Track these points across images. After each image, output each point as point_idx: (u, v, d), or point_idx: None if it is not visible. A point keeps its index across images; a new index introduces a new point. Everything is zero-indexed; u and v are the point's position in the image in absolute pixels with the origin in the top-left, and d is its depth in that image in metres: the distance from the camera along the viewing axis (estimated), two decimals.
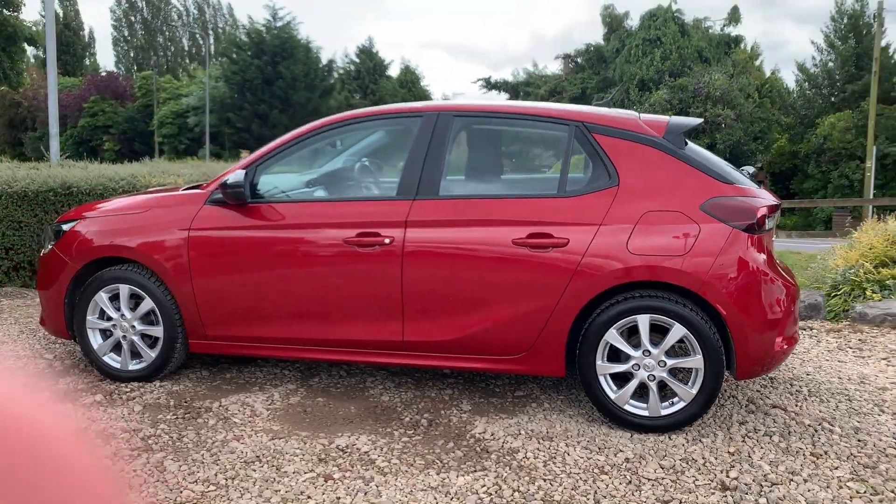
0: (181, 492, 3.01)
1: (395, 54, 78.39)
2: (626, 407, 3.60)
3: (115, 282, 4.15)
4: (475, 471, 3.23)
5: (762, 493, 3.06)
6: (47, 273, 4.35)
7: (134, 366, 4.22)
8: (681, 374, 3.65)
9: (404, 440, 3.55)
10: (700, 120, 4.04)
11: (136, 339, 4.20)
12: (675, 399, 3.57)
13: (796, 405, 4.02)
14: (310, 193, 4.19)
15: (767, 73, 35.22)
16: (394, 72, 46.76)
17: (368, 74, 44.50)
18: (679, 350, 3.65)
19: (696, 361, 3.49)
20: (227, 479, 3.11)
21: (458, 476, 3.17)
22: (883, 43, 29.20)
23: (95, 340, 4.26)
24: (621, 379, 3.63)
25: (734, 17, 34.36)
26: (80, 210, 4.45)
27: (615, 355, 3.62)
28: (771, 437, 3.60)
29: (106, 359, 4.26)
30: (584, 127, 3.74)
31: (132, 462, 3.24)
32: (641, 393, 3.61)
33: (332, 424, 3.72)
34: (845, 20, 29.86)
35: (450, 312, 3.74)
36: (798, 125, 30.34)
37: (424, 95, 49.38)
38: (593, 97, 34.27)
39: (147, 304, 4.12)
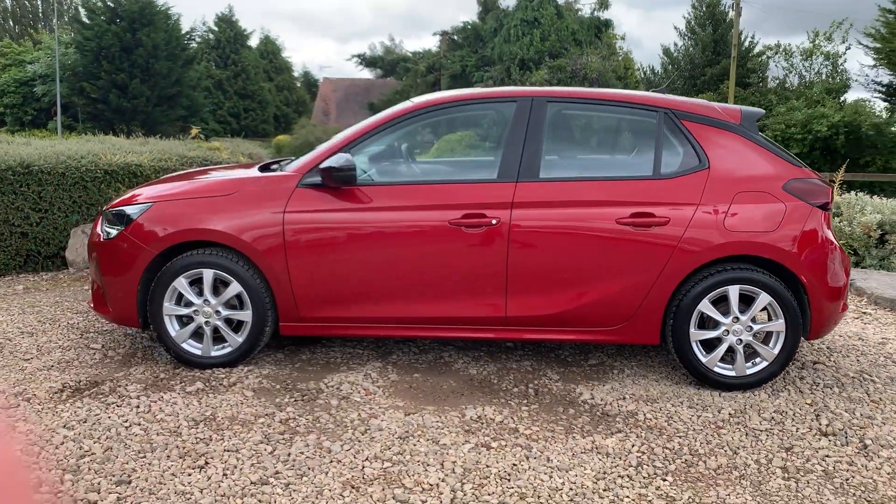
0: (363, 469, 3.09)
1: (252, 24, 75.30)
2: (716, 369, 4.00)
3: (197, 266, 4.04)
4: (613, 433, 3.51)
5: (857, 435, 3.55)
6: (115, 259, 4.15)
7: (217, 352, 4.14)
8: (761, 337, 4.08)
9: (525, 409, 3.76)
10: (763, 111, 4.45)
11: (220, 324, 4.12)
12: (758, 360, 4.00)
13: (830, 360, 4.59)
14: (410, 175, 4.24)
15: (637, 57, 37.32)
16: (254, 42, 45.09)
17: (229, 44, 42.61)
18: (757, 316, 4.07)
19: (778, 325, 3.94)
20: (397, 455, 3.21)
21: (603, 438, 3.44)
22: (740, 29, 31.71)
23: (172, 327, 4.13)
24: (707, 344, 4.01)
25: (603, 2, 36.01)
26: (144, 194, 4.26)
27: (703, 323, 4.00)
28: (831, 388, 4.13)
29: (185, 346, 4.15)
30: (672, 114, 4.06)
31: (290, 446, 3.26)
32: (726, 355, 4.02)
33: (446, 398, 3.87)
34: (704, 8, 32.15)
35: (553, 288, 3.97)
36: None
37: (286, 67, 48.16)
38: (473, 75, 34.91)
39: (234, 288, 4.05)
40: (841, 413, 3.81)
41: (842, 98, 29.08)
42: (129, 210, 4.17)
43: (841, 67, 30.08)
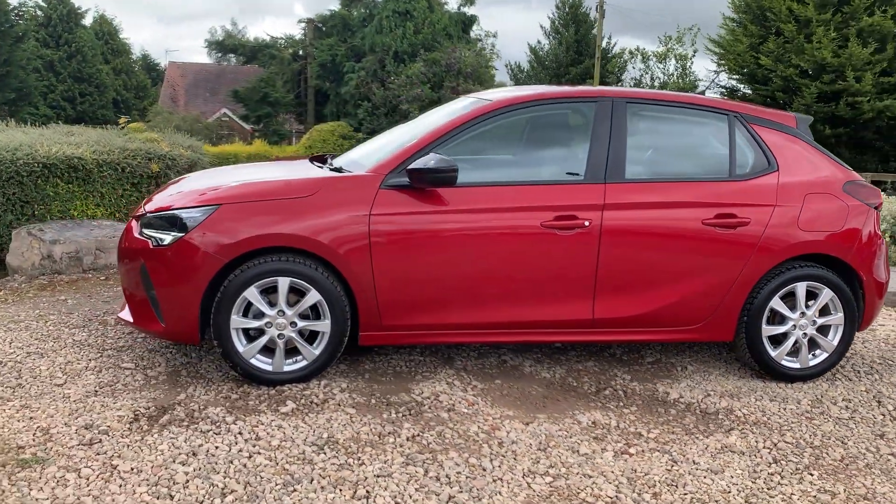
0: (531, 486, 2.97)
1: (88, 2, 69.68)
2: (783, 362, 4.20)
3: (272, 275, 3.69)
4: (728, 430, 3.60)
5: None
6: (172, 269, 3.70)
7: (290, 366, 3.81)
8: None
9: (628, 412, 3.77)
10: (812, 118, 4.69)
11: (295, 336, 3.79)
12: (818, 351, 4.24)
13: (852, 349, 4.94)
14: (496, 176, 4.07)
15: (507, 55, 38.19)
16: (88, 21, 41.73)
17: (61, 22, 39.05)
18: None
19: (838, 319, 4.19)
20: (551, 468, 3.11)
21: (724, 437, 3.52)
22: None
23: (240, 342, 3.76)
24: (773, 339, 4.20)
25: None
26: (205, 195, 3.82)
27: (771, 318, 4.17)
28: (870, 375, 4.45)
29: (254, 361, 3.78)
30: (741, 117, 4.20)
31: (441, 466, 3.07)
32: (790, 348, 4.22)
33: (545, 404, 3.80)
34: (567, 9, 33.49)
35: (640, 290, 4.00)
36: None
37: (125, 49, 45.17)
38: (344, 65, 34.37)
39: (312, 296, 3.74)
40: (893, 396, 4.11)
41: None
42: (189, 213, 3.73)
43: (690, 70, 32.43)
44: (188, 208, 3.75)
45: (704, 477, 3.12)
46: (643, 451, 3.33)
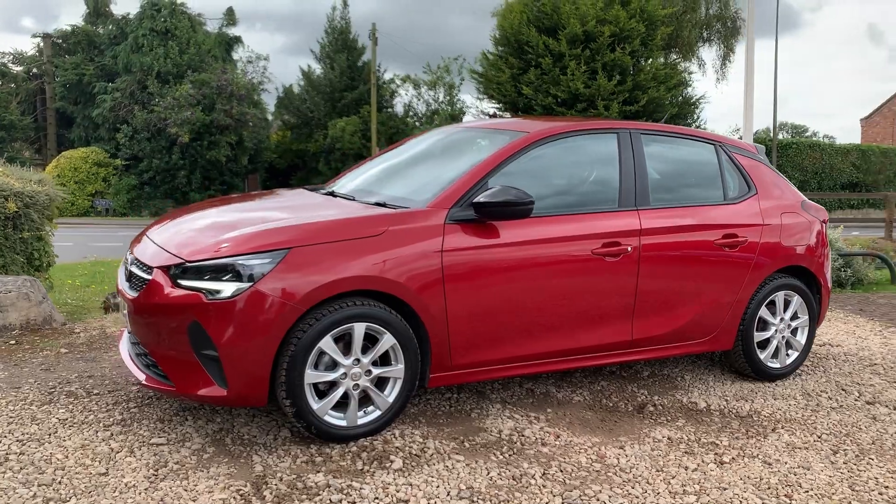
0: (684, 497, 3.08)
1: None
2: (769, 363, 4.73)
3: (348, 321, 3.40)
4: (773, 429, 3.97)
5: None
6: (241, 324, 3.24)
7: (362, 419, 3.52)
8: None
9: (681, 424, 4.01)
10: (764, 146, 5.29)
11: (369, 385, 3.52)
12: (790, 352, 4.83)
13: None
14: (545, 206, 4.06)
15: (283, 78, 37.39)
16: None
17: None
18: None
19: (804, 321, 4.82)
20: (687, 484, 3.24)
21: (777, 436, 3.88)
22: (368, 58, 34.03)
23: (313, 399, 3.40)
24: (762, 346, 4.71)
25: (231, 18, 35.42)
26: (267, 238, 3.39)
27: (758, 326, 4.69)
28: (818, 370, 5.15)
29: (327, 418, 3.44)
30: (723, 147, 4.68)
31: (597, 500, 3.05)
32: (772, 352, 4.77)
33: (609, 427, 3.90)
34: (336, 35, 33.74)
35: (669, 308, 4.28)
36: (304, 126, 33.20)
37: None
38: (95, 85, 31.37)
39: (387, 341, 3.50)
40: (867, 385, 4.81)
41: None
42: (255, 260, 3.29)
43: (457, 98, 34.29)
44: (251, 254, 3.31)
45: (804, 473, 3.44)
46: (734, 458, 3.57)
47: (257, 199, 4.51)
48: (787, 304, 4.75)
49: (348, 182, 4.60)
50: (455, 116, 33.18)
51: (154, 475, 3.08)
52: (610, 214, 4.12)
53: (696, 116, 32.60)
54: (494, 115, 30.12)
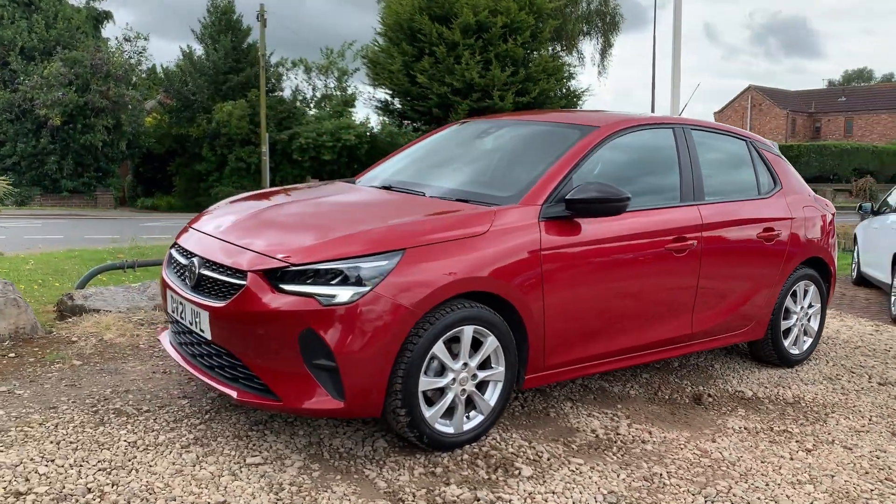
0: (809, 486, 3.17)
1: None
2: (791, 350, 4.96)
3: (458, 325, 3.24)
4: (827, 415, 4.17)
5: None
6: (360, 330, 3.00)
7: (467, 424, 3.39)
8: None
9: (743, 413, 4.13)
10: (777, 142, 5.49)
11: (474, 390, 3.38)
12: (805, 338, 5.09)
13: None
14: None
15: (159, 57, 35.14)
16: None
17: None
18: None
19: (818, 308, 5.10)
20: (797, 472, 3.33)
21: (835, 421, 4.08)
22: (253, 40, 32.73)
23: (425, 407, 3.23)
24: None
25: None
26: (383, 237, 3.16)
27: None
28: (827, 356, 5.47)
29: (437, 426, 3.28)
30: (751, 143, 4.84)
31: (734, 495, 3.09)
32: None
33: (687, 421, 3.96)
34: (220, 15, 32.14)
35: (721, 301, 4.39)
36: (185, 109, 31.49)
37: None
38: None
39: (491, 343, 3.38)
40: (871, 367, 5.14)
41: (352, 111, 32.53)
42: (371, 263, 3.06)
43: (347, 84, 33.63)
44: (368, 256, 3.08)
45: (885, 456, 3.62)
46: (815, 445, 3.71)
47: (313, 193, 4.18)
48: (805, 293, 4.99)
49: (395, 175, 4.38)
50: (348, 102, 32.60)
51: (278, 499, 2.81)
52: (675, 209, 4.15)
53: (580, 109, 33.71)
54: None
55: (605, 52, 38.18)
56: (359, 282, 3.04)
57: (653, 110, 36.01)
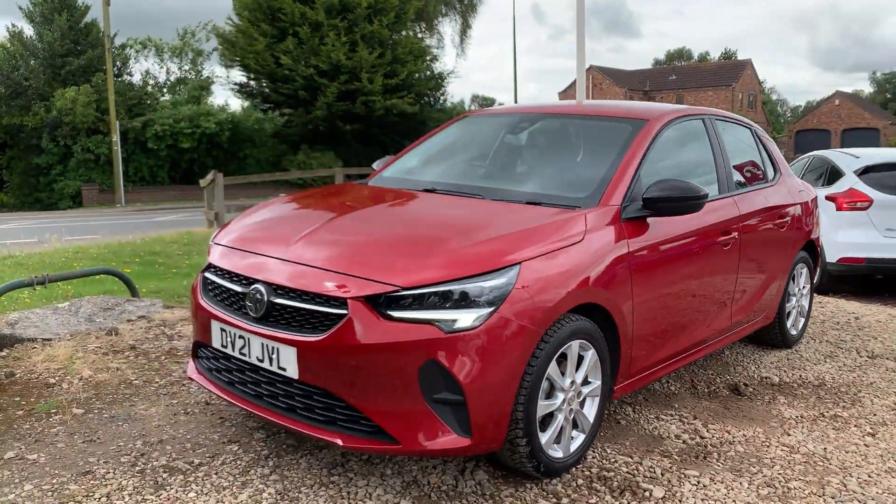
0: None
1: None
2: (792, 332, 5.12)
3: (568, 340, 3.01)
4: (860, 395, 4.31)
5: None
6: (488, 357, 2.69)
7: (573, 446, 3.17)
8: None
9: (785, 400, 4.19)
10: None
11: (578, 409, 3.17)
12: (801, 319, 5.27)
13: None
14: None
15: None
16: None
17: None
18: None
19: (808, 289, 5.29)
20: (880, 459, 3.39)
21: (870, 402, 4.22)
22: (91, 18, 30.07)
23: (541, 434, 2.98)
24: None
25: None
26: (495, 252, 2.83)
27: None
28: (816, 337, 5.70)
29: (551, 452, 3.04)
30: (754, 130, 4.90)
31: (832, 488, 3.08)
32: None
33: (742, 415, 3.96)
34: None
35: (751, 290, 4.41)
36: (17, 97, 28.43)
37: None
38: None
39: (591, 357, 3.17)
40: (850, 341, 5.40)
41: (209, 95, 30.80)
42: (491, 282, 2.75)
43: (202, 66, 31.75)
44: (485, 274, 2.76)
45: None
46: (874, 428, 3.81)
47: (363, 201, 3.73)
48: (800, 275, 5.14)
49: (429, 176, 4.02)
50: (205, 86, 30.78)
51: None
52: (718, 201, 4.09)
53: (443, 90, 33.90)
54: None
55: (464, 33, 38.49)
56: (479, 303, 2.72)
57: (515, 93, 36.82)
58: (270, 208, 3.71)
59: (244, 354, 3.00)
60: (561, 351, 2.98)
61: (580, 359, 3.13)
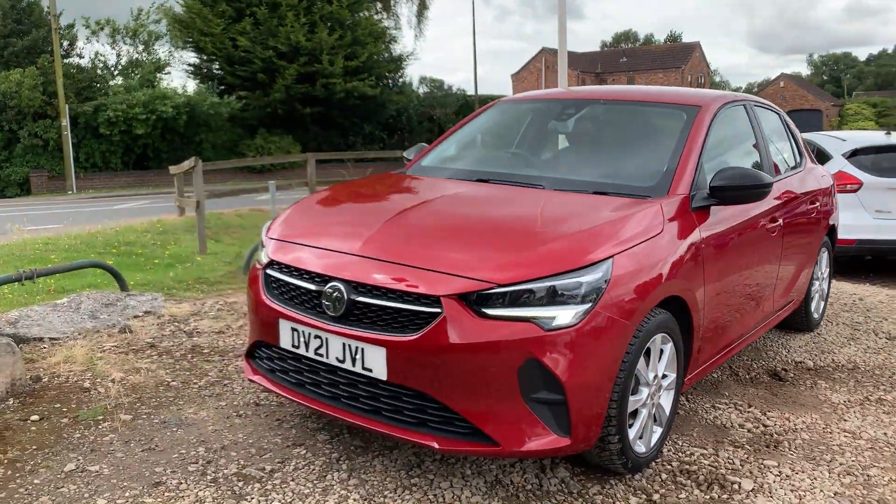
0: None
1: None
2: (815, 315, 5.17)
3: (653, 334, 2.95)
4: (894, 379, 4.39)
5: None
6: (587, 355, 2.62)
7: (653, 440, 3.13)
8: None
9: (826, 385, 4.22)
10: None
11: (660, 403, 3.12)
12: (821, 302, 5.33)
13: None
14: None
15: None
16: None
17: None
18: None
19: (827, 273, 5.34)
20: None
21: None
22: None
23: (630, 430, 2.93)
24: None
25: None
26: (588, 246, 2.74)
27: None
28: (831, 319, 5.78)
29: (636, 448, 2.99)
30: (781, 116, 4.90)
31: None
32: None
33: (792, 400, 3.97)
34: None
35: (789, 276, 4.42)
36: None
37: None
38: None
39: (669, 350, 3.13)
40: (865, 323, 5.49)
41: (164, 78, 29.89)
42: (589, 276, 2.66)
43: (154, 48, 30.74)
44: (582, 269, 2.67)
45: None
46: None
47: (425, 192, 3.58)
48: (824, 259, 5.19)
49: (476, 165, 3.91)
50: (160, 68, 29.84)
51: None
52: None
53: (402, 73, 33.59)
54: None
55: (421, 14, 38.05)
56: (576, 299, 2.64)
57: (475, 76, 36.66)
58: (322, 201, 3.55)
59: (320, 355, 2.86)
60: (647, 346, 2.92)
61: (660, 353, 3.07)
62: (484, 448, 2.62)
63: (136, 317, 5.41)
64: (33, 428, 3.20)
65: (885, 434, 3.52)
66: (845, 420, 3.68)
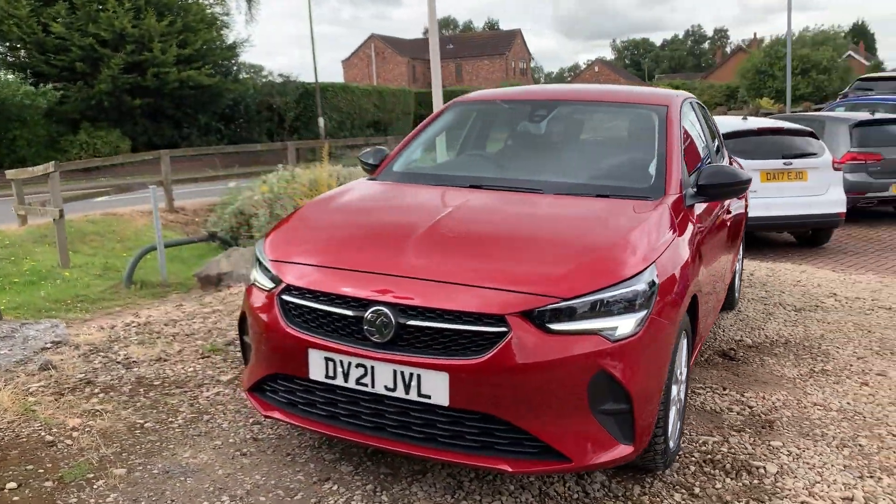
0: None
1: None
2: (736, 294, 5.57)
3: (682, 330, 3.06)
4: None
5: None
6: (646, 362, 2.64)
7: (676, 434, 3.23)
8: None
9: (798, 362, 4.57)
10: None
11: (682, 398, 3.23)
12: (738, 285, 5.75)
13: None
14: None
15: None
16: None
17: None
18: None
19: (741, 254, 5.77)
20: None
21: None
22: None
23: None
24: None
25: None
26: (631, 253, 2.75)
27: None
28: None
29: (670, 444, 3.08)
30: (706, 111, 5.20)
31: None
32: None
33: (757, 380, 4.26)
34: None
35: (731, 259, 4.72)
36: None
37: None
38: None
39: (684, 345, 3.24)
40: (766, 297, 5.99)
41: None
42: (641, 284, 2.67)
43: None
44: (633, 277, 2.68)
45: None
46: (864, 380, 4.25)
47: (439, 200, 3.39)
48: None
49: (458, 170, 3.82)
50: None
51: None
52: None
53: (236, 61, 32.20)
54: None
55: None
56: (634, 307, 2.65)
57: (314, 63, 35.85)
58: (320, 217, 3.32)
59: (364, 385, 2.68)
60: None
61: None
62: (557, 465, 2.58)
63: (44, 349, 4.80)
64: (16, 499, 2.74)
65: (848, 403, 3.85)
66: (809, 394, 3.98)
